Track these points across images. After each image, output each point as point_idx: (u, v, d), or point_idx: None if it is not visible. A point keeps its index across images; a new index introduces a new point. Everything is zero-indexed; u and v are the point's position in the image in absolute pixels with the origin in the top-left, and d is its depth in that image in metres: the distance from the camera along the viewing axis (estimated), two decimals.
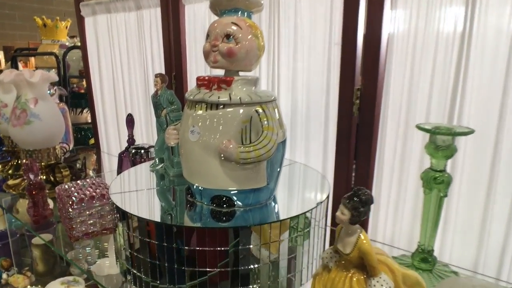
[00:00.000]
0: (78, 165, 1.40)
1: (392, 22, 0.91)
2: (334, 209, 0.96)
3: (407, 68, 0.92)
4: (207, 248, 0.67)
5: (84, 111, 3.05)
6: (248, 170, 0.70)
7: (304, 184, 0.92)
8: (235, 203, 0.72)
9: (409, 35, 0.90)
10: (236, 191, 0.72)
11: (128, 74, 1.61)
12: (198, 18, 1.29)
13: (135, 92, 1.61)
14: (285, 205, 0.80)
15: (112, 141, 1.83)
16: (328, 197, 0.80)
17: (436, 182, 0.70)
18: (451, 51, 0.85)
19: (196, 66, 1.35)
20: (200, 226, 0.69)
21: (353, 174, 1.02)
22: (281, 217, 0.71)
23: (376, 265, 0.50)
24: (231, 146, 0.66)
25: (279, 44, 1.09)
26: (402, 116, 0.94)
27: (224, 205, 0.72)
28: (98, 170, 1.73)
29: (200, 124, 0.69)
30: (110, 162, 1.75)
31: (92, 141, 2.83)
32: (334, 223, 0.98)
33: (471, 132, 0.67)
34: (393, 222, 0.99)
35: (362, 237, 0.50)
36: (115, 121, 1.77)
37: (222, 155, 0.67)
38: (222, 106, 0.68)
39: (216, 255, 0.68)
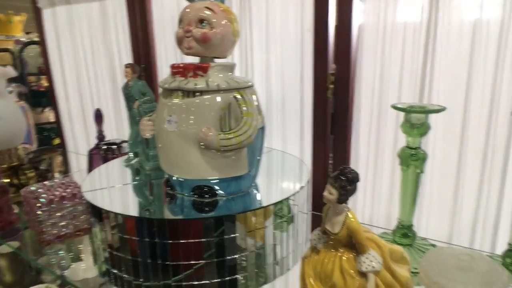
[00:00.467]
0: (43, 165, 1.33)
1: (363, 4, 0.92)
2: (314, 194, 0.97)
3: (378, 51, 0.93)
4: (192, 240, 0.65)
5: (46, 110, 2.91)
6: (229, 158, 0.69)
7: (283, 171, 0.92)
8: (217, 192, 0.71)
9: (379, 19, 0.91)
10: (217, 180, 0.70)
11: (93, 68, 1.55)
12: (166, 6, 1.25)
13: (102, 86, 1.55)
14: (267, 192, 0.80)
15: (79, 140, 1.76)
16: (308, 181, 0.81)
17: (412, 159, 0.72)
18: (419, 33, 0.87)
19: (166, 56, 1.31)
20: (183, 218, 0.67)
21: (330, 158, 1.03)
22: (264, 204, 0.71)
23: (365, 242, 0.51)
24: (210, 133, 0.64)
25: (251, 30, 1.07)
26: (376, 98, 0.95)
27: (206, 195, 0.71)
28: (65, 171, 1.66)
29: (177, 113, 0.67)
30: (78, 162, 1.68)
31: (56, 141, 2.72)
32: (315, 207, 0.99)
33: (443, 109, 0.69)
34: (371, 202, 1.01)
35: (350, 215, 0.51)
36: (82, 118, 1.70)
37: (202, 144, 0.66)
38: (199, 93, 0.66)
39: (201, 247, 0.66)
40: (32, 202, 0.89)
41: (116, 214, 0.68)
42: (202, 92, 0.66)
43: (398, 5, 0.88)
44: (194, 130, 0.66)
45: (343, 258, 0.53)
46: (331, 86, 0.97)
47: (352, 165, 1.02)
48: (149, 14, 1.28)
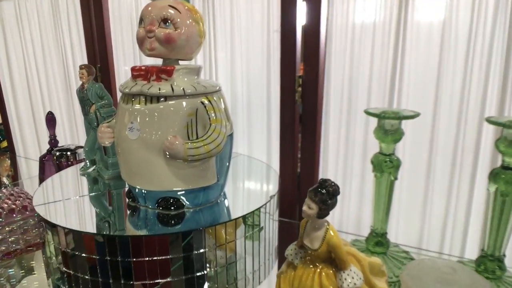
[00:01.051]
0: None
1: (331, 8, 0.90)
2: (282, 200, 0.94)
3: (346, 53, 0.92)
4: (157, 258, 0.60)
5: None
6: (196, 167, 0.64)
7: (251, 177, 0.88)
8: (184, 204, 0.66)
9: (347, 21, 0.90)
10: (184, 191, 0.65)
11: (44, 67, 1.44)
12: (123, 5, 1.18)
13: (54, 87, 1.44)
14: (236, 201, 0.76)
15: (29, 144, 1.63)
16: (278, 188, 0.78)
17: (386, 166, 0.70)
18: (388, 36, 0.87)
19: (124, 56, 1.24)
20: (146, 234, 0.62)
21: (299, 163, 1.01)
22: (234, 214, 0.67)
23: (346, 258, 0.48)
24: (177, 142, 0.59)
25: (215, 32, 1.03)
26: (345, 102, 0.94)
27: (172, 208, 0.66)
28: (14, 177, 1.54)
29: (139, 119, 0.62)
30: (28, 168, 1.57)
31: (4, 144, 2.53)
32: (281, 213, 0.96)
33: (417, 115, 0.68)
34: (341, 208, 1.00)
35: (331, 231, 0.48)
36: (32, 121, 1.58)
37: (167, 153, 0.61)
38: (163, 98, 0.61)
39: (167, 262, 0.61)
40: None
41: (72, 230, 0.61)
42: (166, 98, 0.61)
43: (367, 7, 0.87)
44: (158, 138, 0.61)
45: (323, 274, 0.50)
46: (299, 88, 0.95)
47: (321, 169, 1.00)
48: (105, 10, 1.20)
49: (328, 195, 0.46)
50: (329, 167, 1.00)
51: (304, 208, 0.47)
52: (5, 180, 1.47)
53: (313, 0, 0.89)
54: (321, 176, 1.01)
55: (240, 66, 1.03)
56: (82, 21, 1.24)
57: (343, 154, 0.97)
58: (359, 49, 0.90)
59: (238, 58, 1.02)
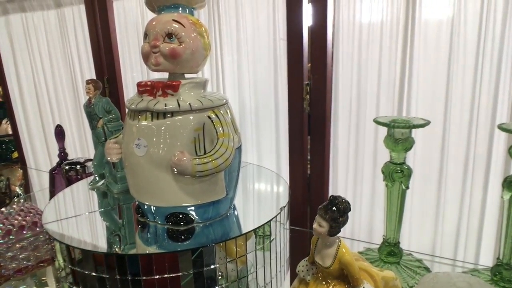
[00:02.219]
0: (0, 187, 1.23)
1: (337, 15, 0.89)
2: (292, 209, 0.93)
3: (354, 60, 0.91)
4: (168, 275, 0.60)
5: (3, 121, 2.74)
6: (205, 182, 0.63)
7: (260, 186, 0.88)
8: (193, 219, 0.66)
9: (354, 28, 0.89)
10: (193, 206, 0.65)
11: (52, 79, 1.45)
12: (129, 15, 1.18)
13: (63, 99, 1.45)
14: (246, 212, 0.75)
15: (39, 155, 1.65)
16: (290, 198, 0.77)
17: (397, 175, 0.69)
18: (396, 41, 0.86)
19: (131, 68, 1.24)
20: (157, 251, 0.61)
21: (308, 171, 1.00)
22: (245, 226, 0.66)
23: (359, 276, 0.47)
24: (184, 158, 0.59)
25: (221, 42, 1.03)
26: (353, 109, 0.93)
27: (181, 223, 0.65)
28: (26, 188, 1.55)
29: (146, 136, 0.61)
30: (39, 179, 1.58)
31: (15, 154, 2.55)
32: (292, 222, 0.95)
33: (427, 123, 0.66)
34: (352, 215, 0.98)
35: (343, 248, 0.47)
36: (42, 133, 1.59)
37: (175, 169, 0.60)
38: (170, 114, 0.61)
39: (178, 279, 0.61)
40: None
41: (82, 250, 0.61)
42: (173, 113, 0.60)
43: (374, 13, 0.86)
44: (165, 154, 0.60)
45: None
46: (307, 96, 0.94)
47: (331, 177, 0.99)
48: (111, 22, 1.20)
49: (339, 212, 0.45)
50: (339, 175, 0.99)
51: (315, 226, 0.46)
52: (18, 189, 1.48)
53: (319, 7, 0.88)
54: (331, 184, 0.99)
55: (247, 74, 1.02)
56: (88, 33, 1.25)
57: (353, 161, 0.96)
58: (367, 55, 0.89)
59: (245, 67, 1.02)
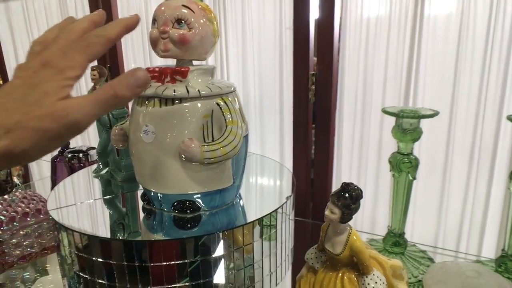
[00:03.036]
0: (2, 175, 1.22)
1: (344, 4, 0.88)
2: (296, 199, 0.93)
3: (361, 50, 0.90)
4: (174, 262, 0.59)
5: None
6: (212, 170, 0.63)
7: (264, 176, 0.87)
8: (200, 206, 0.66)
9: (362, 19, 0.88)
10: (200, 194, 0.65)
11: None
12: (132, 4, 1.17)
13: None
14: (251, 201, 0.75)
15: None
16: (294, 187, 0.77)
17: (405, 166, 0.69)
18: (403, 33, 0.85)
19: (134, 55, 1.23)
20: (164, 238, 0.61)
21: (312, 161, 1.00)
22: (250, 216, 0.66)
23: (369, 263, 0.47)
24: (193, 145, 0.58)
25: (226, 30, 1.02)
26: (359, 100, 0.93)
27: (188, 211, 0.65)
28: (25, 177, 1.54)
29: (154, 122, 0.61)
30: (39, 168, 1.57)
31: None
32: (296, 213, 0.95)
33: (436, 113, 0.66)
34: None
35: (354, 235, 0.47)
36: None
37: (183, 156, 0.60)
38: (178, 100, 0.60)
39: (184, 265, 0.61)
40: None
41: (88, 235, 0.61)
42: (181, 99, 0.60)
43: (382, 1, 0.85)
44: (173, 141, 0.60)
45: (345, 278, 0.49)
46: (313, 87, 0.93)
47: (335, 168, 0.99)
48: (114, 9, 1.19)
49: (351, 199, 0.45)
50: (343, 166, 0.99)
51: (327, 212, 0.46)
52: (15, 179, 1.47)
53: None
54: (335, 174, 0.99)
55: (252, 64, 1.02)
56: None
57: (358, 153, 0.96)
58: (374, 46, 0.88)
59: (250, 56, 1.01)
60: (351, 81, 0.92)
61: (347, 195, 0.45)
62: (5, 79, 1.59)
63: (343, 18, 0.89)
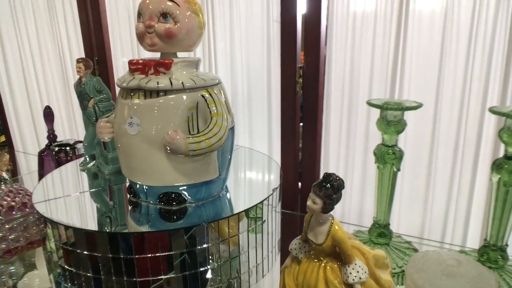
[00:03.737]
0: None
1: None
2: (284, 192, 0.94)
3: (347, 43, 0.90)
4: (160, 254, 0.60)
5: None
6: (198, 162, 0.63)
7: (252, 169, 0.88)
8: (186, 199, 0.66)
9: (348, 10, 0.89)
10: (186, 186, 0.65)
11: (40, 61, 1.42)
12: None
13: (51, 81, 1.42)
14: (238, 193, 0.75)
15: (27, 138, 1.62)
16: (281, 179, 0.77)
17: (389, 157, 0.70)
18: (389, 26, 0.86)
19: (122, 48, 1.22)
20: (149, 230, 0.61)
21: (300, 154, 1.00)
22: (237, 208, 0.66)
23: (351, 252, 0.48)
24: (178, 137, 0.59)
25: (214, 22, 1.01)
26: (346, 93, 0.93)
27: (174, 203, 0.65)
28: (14, 172, 1.53)
29: (138, 114, 0.61)
30: (27, 162, 1.56)
31: (2, 138, 2.51)
32: (283, 205, 0.96)
33: (419, 106, 0.67)
34: (342, 198, 0.99)
35: (336, 225, 0.47)
36: (29, 115, 1.56)
37: (168, 148, 0.60)
38: (162, 92, 0.60)
39: (170, 258, 0.61)
40: None
41: (73, 228, 0.61)
42: (166, 92, 0.60)
43: None
44: (158, 133, 0.60)
45: (327, 268, 0.50)
46: (300, 79, 0.93)
47: (323, 160, 1.00)
48: (102, 2, 1.18)
49: (333, 189, 0.45)
50: (330, 158, 0.99)
51: (309, 203, 0.46)
52: (4, 174, 1.45)
53: None
54: (322, 167, 1.00)
55: (240, 57, 1.01)
56: (78, 14, 1.22)
57: (345, 145, 0.97)
58: (360, 39, 0.89)
59: (237, 49, 1.01)
60: (338, 73, 0.93)
61: (328, 185, 0.45)
62: None
63: (330, 12, 0.89)
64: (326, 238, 0.48)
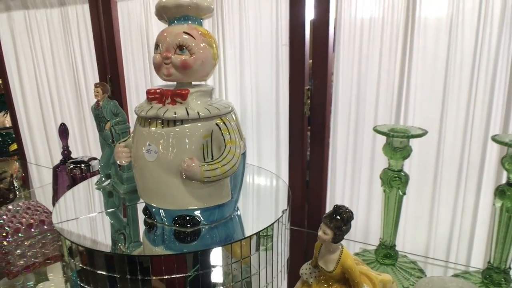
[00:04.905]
0: (4, 184, 1.25)
1: (338, 21, 0.92)
2: (292, 210, 0.97)
3: (354, 67, 0.93)
4: (176, 276, 0.62)
5: (0, 114, 2.73)
6: (212, 186, 0.66)
7: (261, 188, 0.90)
8: (200, 221, 0.69)
9: (355, 39, 0.92)
10: (200, 210, 0.68)
11: (54, 77, 1.46)
12: (133, 15, 1.20)
13: (64, 97, 1.46)
14: (248, 213, 0.78)
15: (40, 150, 1.66)
16: (289, 199, 0.80)
17: (395, 182, 0.72)
18: (395, 51, 0.88)
19: (134, 67, 1.26)
20: (165, 251, 0.64)
21: (307, 173, 1.03)
22: (247, 227, 0.70)
23: (360, 279, 0.50)
24: (193, 164, 0.62)
25: (224, 46, 1.05)
26: (352, 113, 0.96)
27: (188, 225, 0.68)
28: (26, 182, 1.57)
29: (156, 142, 0.64)
30: (39, 175, 1.59)
31: (13, 146, 2.55)
32: (293, 223, 0.98)
33: (425, 133, 0.70)
34: None
35: (345, 254, 0.50)
36: (42, 129, 1.60)
37: (184, 175, 0.63)
38: (179, 122, 0.63)
39: (185, 280, 0.64)
40: None
41: (92, 250, 0.64)
42: (182, 121, 0.63)
43: (374, 21, 0.89)
44: (175, 160, 0.63)
45: None
46: (308, 101, 0.96)
47: (330, 180, 1.02)
48: (115, 22, 1.21)
49: (342, 221, 0.48)
50: (337, 177, 1.02)
51: (320, 233, 0.49)
52: (14, 182, 1.49)
53: (321, 12, 0.90)
54: (329, 186, 1.03)
55: (249, 78, 1.05)
56: (92, 33, 1.26)
57: (351, 165, 0.99)
58: (366, 64, 0.91)
59: (247, 71, 1.04)
60: (345, 95, 0.96)
61: (338, 217, 0.48)
62: (7, 89, 1.62)
63: (337, 37, 0.92)
64: (336, 266, 0.50)
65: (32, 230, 0.85)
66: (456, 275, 0.77)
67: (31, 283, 0.86)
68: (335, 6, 0.90)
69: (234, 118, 0.70)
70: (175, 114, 0.62)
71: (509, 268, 0.69)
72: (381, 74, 0.90)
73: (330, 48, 0.91)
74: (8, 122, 2.56)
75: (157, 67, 0.65)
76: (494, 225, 0.68)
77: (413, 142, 0.86)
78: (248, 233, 0.68)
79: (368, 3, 0.88)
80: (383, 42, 0.88)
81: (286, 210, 0.75)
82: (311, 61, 0.95)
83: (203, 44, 0.65)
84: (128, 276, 0.62)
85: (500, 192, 0.66)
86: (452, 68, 0.82)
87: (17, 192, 1.33)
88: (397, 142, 0.70)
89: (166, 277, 0.62)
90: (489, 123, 0.81)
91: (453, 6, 0.80)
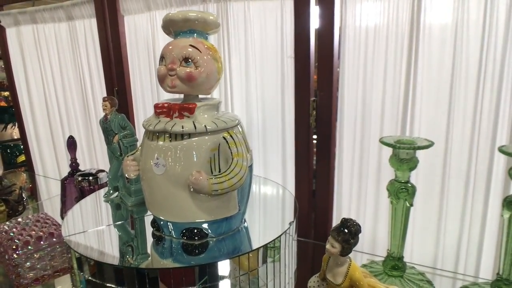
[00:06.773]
0: (14, 196, 1.26)
1: (343, 32, 0.93)
2: (299, 221, 0.97)
3: (359, 78, 0.94)
4: None
5: (8, 126, 2.77)
6: (219, 199, 0.67)
7: (267, 199, 0.91)
8: (207, 233, 0.69)
9: (359, 51, 0.92)
10: (208, 222, 0.68)
11: (62, 91, 1.48)
12: (139, 30, 1.22)
13: (72, 109, 1.48)
14: (255, 224, 0.78)
15: (47, 162, 1.68)
16: (296, 211, 0.80)
17: (402, 194, 0.72)
18: (400, 61, 0.89)
19: (141, 80, 1.27)
20: (175, 265, 0.64)
21: (314, 183, 1.03)
22: (255, 239, 0.70)
23: None
24: (201, 178, 0.62)
25: (230, 59, 1.06)
26: (358, 124, 0.96)
27: (196, 238, 0.69)
28: (34, 194, 1.58)
29: (164, 155, 0.65)
30: (47, 186, 1.61)
31: (21, 158, 2.58)
32: (299, 234, 0.98)
33: (431, 144, 0.70)
34: None
35: (353, 267, 0.50)
36: (50, 141, 1.62)
37: (192, 188, 0.63)
38: (187, 135, 0.64)
39: None
40: (6, 243, 0.83)
41: (103, 264, 0.64)
42: (190, 135, 0.64)
43: (379, 32, 0.89)
44: (183, 173, 0.64)
45: None
46: (314, 112, 0.97)
47: (336, 190, 1.02)
48: (122, 36, 1.23)
49: (350, 234, 0.48)
50: (343, 188, 1.02)
51: (328, 246, 0.49)
52: (23, 195, 1.50)
53: (326, 23, 0.91)
54: (335, 197, 1.03)
55: (255, 90, 1.05)
56: (99, 46, 1.28)
57: (358, 175, 0.99)
58: (372, 76, 0.92)
59: (253, 82, 1.05)
60: (350, 106, 0.96)
61: (346, 230, 0.48)
62: (16, 101, 1.64)
63: (342, 48, 0.93)
64: (344, 279, 0.50)
65: (42, 242, 0.86)
66: (465, 287, 0.76)
67: None
68: (340, 16, 0.91)
69: (241, 131, 0.70)
70: (182, 128, 0.63)
71: None
72: (386, 84, 0.90)
73: (335, 60, 0.92)
74: (16, 134, 2.60)
75: (161, 79, 0.66)
76: (502, 236, 0.68)
77: (420, 153, 0.86)
78: (255, 245, 0.68)
79: (373, 13, 0.89)
80: (388, 53, 0.89)
81: (293, 221, 0.75)
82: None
83: (209, 57, 0.66)
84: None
85: (508, 203, 0.66)
86: (458, 78, 0.83)
87: (26, 204, 1.34)
88: (404, 154, 0.70)
89: None
90: (496, 133, 0.81)
91: (458, 15, 0.81)
